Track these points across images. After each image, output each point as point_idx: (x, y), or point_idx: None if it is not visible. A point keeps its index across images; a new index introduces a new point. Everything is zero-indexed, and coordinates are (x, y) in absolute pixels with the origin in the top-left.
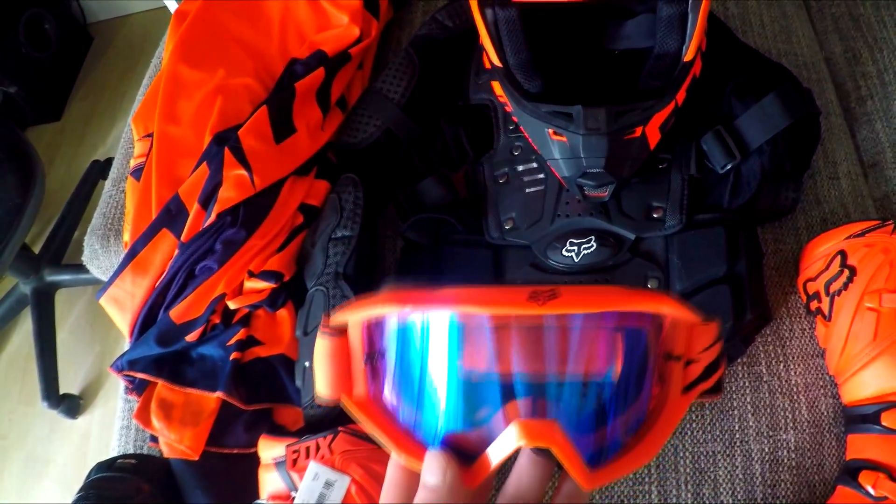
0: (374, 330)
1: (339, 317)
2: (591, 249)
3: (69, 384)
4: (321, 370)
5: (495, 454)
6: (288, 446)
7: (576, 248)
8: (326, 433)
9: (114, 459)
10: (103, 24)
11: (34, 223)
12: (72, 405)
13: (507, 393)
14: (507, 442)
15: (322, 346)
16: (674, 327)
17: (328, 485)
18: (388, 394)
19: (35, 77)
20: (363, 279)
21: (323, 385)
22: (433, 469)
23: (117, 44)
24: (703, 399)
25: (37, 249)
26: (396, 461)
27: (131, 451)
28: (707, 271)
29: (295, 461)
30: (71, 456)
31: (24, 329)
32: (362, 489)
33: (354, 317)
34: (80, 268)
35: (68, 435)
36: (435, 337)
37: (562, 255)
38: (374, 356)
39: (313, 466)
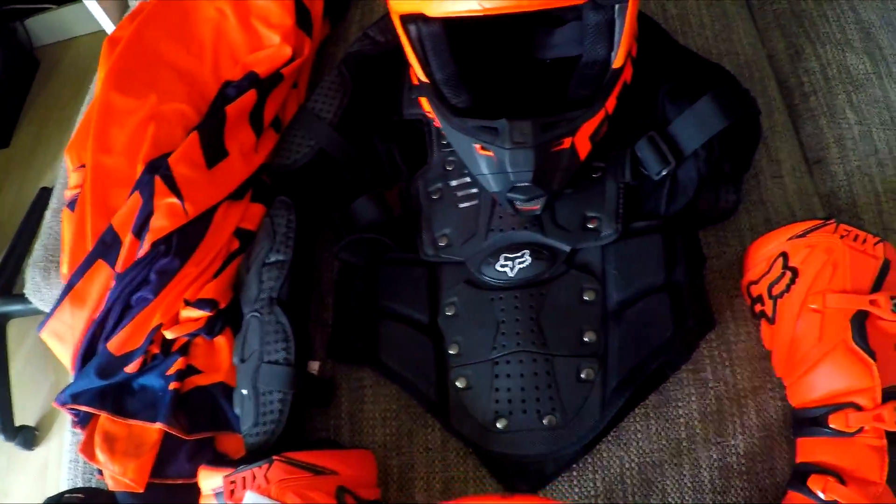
0: None
1: None
2: (526, 264)
3: (25, 416)
4: None
5: None
6: (225, 477)
7: (510, 262)
8: (262, 462)
9: (61, 495)
10: (49, 48)
11: None
12: (28, 437)
13: None
14: None
15: None
16: None
17: None
18: None
19: None
20: (298, 303)
21: None
22: None
23: (63, 67)
24: None
25: None
26: None
27: (81, 484)
28: (645, 280)
29: (232, 492)
30: (30, 487)
31: None
32: None
33: None
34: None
35: (25, 466)
36: None
37: (496, 270)
38: None
39: (249, 497)
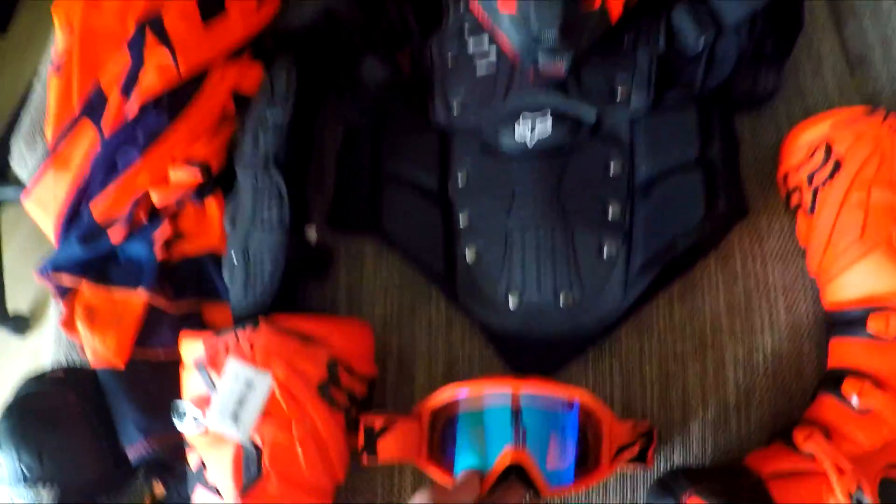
0: (434, 418)
1: (420, 406)
2: (547, 131)
3: (17, 302)
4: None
5: (496, 468)
6: (206, 342)
7: (529, 122)
8: (246, 325)
9: (43, 373)
10: None
11: None
12: (20, 324)
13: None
14: (500, 460)
15: (404, 429)
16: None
17: (249, 384)
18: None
19: None
20: (296, 167)
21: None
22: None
23: None
24: (631, 466)
25: None
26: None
27: (64, 362)
28: (676, 155)
29: (214, 359)
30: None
31: None
32: (286, 389)
33: (426, 406)
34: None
35: (18, 354)
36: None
37: (514, 137)
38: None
39: (232, 364)
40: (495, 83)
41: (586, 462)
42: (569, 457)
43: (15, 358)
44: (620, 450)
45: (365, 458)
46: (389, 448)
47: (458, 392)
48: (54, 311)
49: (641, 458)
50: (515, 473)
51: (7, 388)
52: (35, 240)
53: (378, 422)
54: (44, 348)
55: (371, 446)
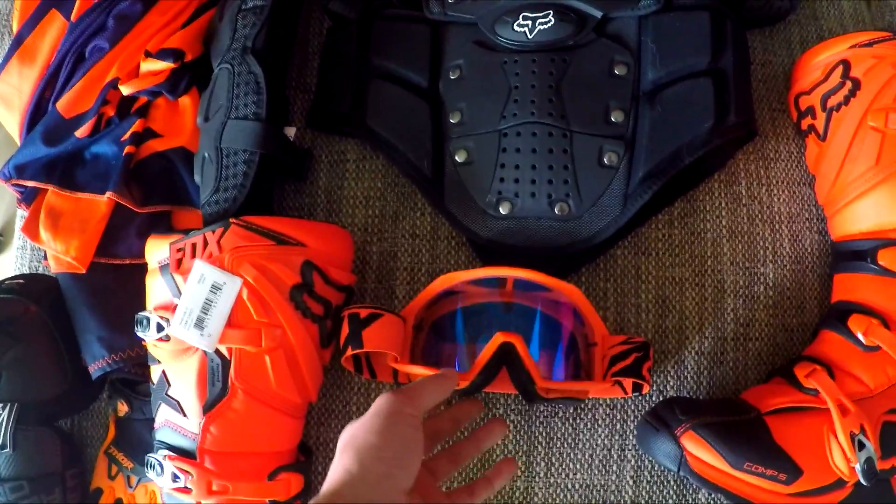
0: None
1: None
2: (549, 25)
3: None
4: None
5: (485, 353)
6: (171, 244)
7: (529, 22)
8: (216, 226)
9: (1, 281)
10: None
11: None
12: None
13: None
14: (492, 343)
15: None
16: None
17: (215, 288)
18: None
19: None
20: (276, 57)
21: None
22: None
23: None
24: (622, 393)
25: None
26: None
27: (27, 272)
28: (686, 60)
29: (180, 262)
30: None
31: None
32: (256, 293)
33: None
34: None
35: None
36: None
37: (513, 30)
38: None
39: (198, 266)
40: None
41: (578, 374)
42: (560, 361)
43: None
44: (614, 361)
45: (349, 351)
46: (374, 338)
47: (451, 281)
48: (17, 220)
49: (636, 373)
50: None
51: None
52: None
53: (364, 311)
54: (18, 267)
55: (356, 336)
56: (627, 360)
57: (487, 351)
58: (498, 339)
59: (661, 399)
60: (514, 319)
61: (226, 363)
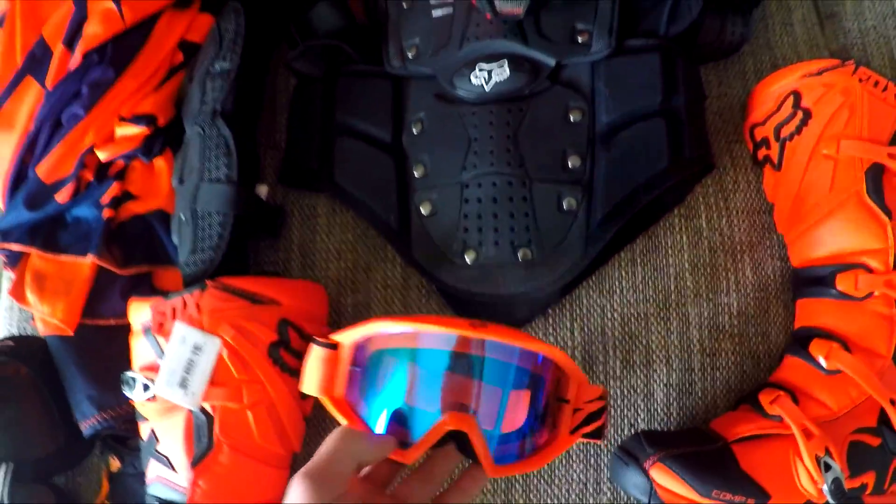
0: (359, 351)
1: (336, 336)
2: (504, 76)
3: None
4: (313, 374)
5: (429, 437)
6: (153, 306)
7: (485, 73)
8: (193, 289)
9: None
10: None
11: None
12: None
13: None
14: (438, 427)
15: (316, 355)
16: (565, 377)
17: (197, 349)
18: (360, 398)
19: None
20: (245, 119)
21: (312, 386)
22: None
23: None
24: (585, 440)
25: None
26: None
27: (16, 332)
28: (639, 102)
29: (161, 324)
30: None
31: None
32: (235, 352)
33: (346, 338)
34: None
35: None
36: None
37: (470, 82)
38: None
39: (179, 328)
40: (451, 26)
41: (539, 431)
42: (524, 424)
43: None
44: (588, 421)
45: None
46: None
47: (391, 328)
48: (4, 280)
49: (598, 435)
50: (454, 441)
51: None
52: None
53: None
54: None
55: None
56: (601, 419)
57: (434, 434)
58: (446, 424)
59: (632, 433)
60: (475, 370)
61: (210, 420)
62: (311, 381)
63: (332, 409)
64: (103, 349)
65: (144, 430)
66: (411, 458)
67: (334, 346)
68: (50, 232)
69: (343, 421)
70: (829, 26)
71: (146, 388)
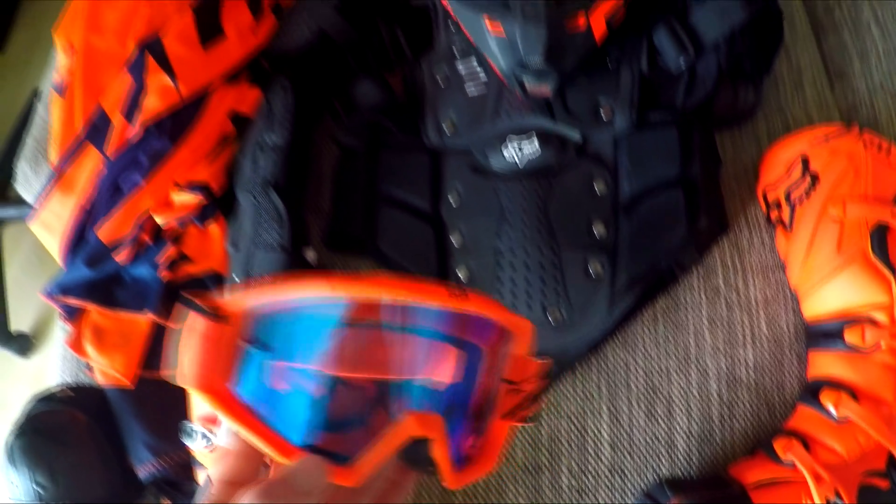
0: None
1: (230, 301)
2: (535, 153)
3: (20, 323)
4: (190, 353)
5: (384, 447)
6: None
7: (516, 144)
8: None
9: (52, 392)
10: None
11: None
12: (23, 344)
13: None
14: (399, 433)
15: (198, 327)
16: (512, 353)
17: None
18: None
19: None
20: (294, 189)
21: (191, 372)
22: (310, 472)
23: None
24: (516, 423)
25: None
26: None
27: (70, 381)
28: (658, 173)
29: None
30: (26, 396)
31: None
32: None
33: (247, 302)
34: (27, 202)
35: (22, 375)
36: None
37: (503, 157)
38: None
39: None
40: (485, 104)
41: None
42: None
43: (18, 379)
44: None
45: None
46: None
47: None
48: (58, 330)
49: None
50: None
51: (11, 410)
52: (37, 259)
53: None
54: (47, 368)
55: None
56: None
57: (389, 443)
58: (407, 429)
59: (655, 480)
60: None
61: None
62: (189, 367)
63: (218, 409)
64: (160, 399)
65: (201, 476)
66: (353, 481)
67: (223, 318)
68: (108, 289)
69: (237, 427)
70: (839, 86)
71: (205, 437)
